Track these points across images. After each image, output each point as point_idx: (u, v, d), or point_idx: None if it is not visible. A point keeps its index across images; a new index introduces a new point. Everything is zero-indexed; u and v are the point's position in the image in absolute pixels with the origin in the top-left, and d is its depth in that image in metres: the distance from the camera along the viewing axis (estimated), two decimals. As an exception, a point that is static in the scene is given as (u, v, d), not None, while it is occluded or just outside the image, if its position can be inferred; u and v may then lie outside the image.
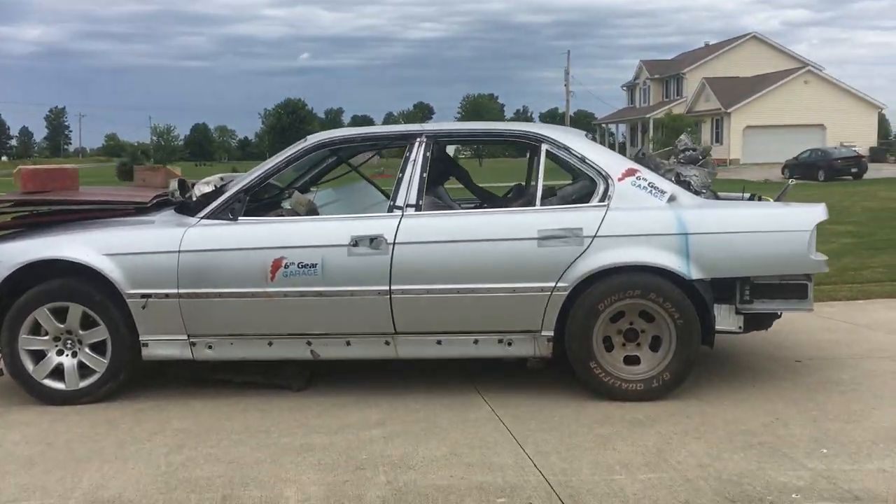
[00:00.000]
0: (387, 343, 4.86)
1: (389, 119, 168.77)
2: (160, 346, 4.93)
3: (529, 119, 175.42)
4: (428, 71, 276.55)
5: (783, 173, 34.94)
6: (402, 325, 4.80)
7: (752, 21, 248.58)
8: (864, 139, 46.32)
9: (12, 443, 4.34)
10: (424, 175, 4.94)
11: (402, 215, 4.83)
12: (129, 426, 4.56)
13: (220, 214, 4.94)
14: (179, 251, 4.82)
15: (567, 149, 4.96)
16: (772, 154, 43.50)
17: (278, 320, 4.84)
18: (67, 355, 4.97)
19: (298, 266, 4.77)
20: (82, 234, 4.99)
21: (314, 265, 4.76)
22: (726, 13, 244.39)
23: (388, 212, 4.89)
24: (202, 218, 4.94)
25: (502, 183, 10.44)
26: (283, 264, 4.77)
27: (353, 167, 6.16)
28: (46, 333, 4.94)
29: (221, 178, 5.28)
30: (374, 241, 4.75)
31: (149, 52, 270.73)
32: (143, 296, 4.83)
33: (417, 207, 4.86)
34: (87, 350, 4.95)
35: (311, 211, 5.27)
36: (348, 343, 4.88)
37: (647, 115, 56.71)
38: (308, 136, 5.20)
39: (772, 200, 5.10)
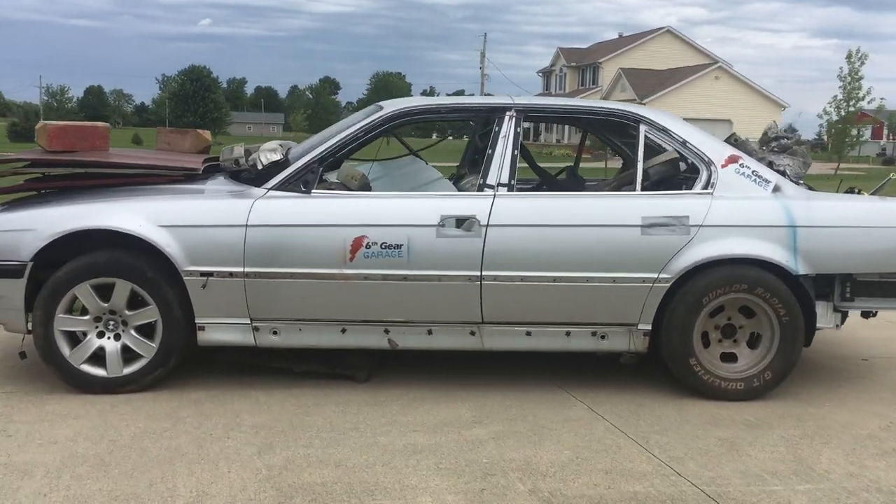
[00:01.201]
0: (472, 333, 4.48)
1: (295, 92, 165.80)
2: (219, 330, 4.41)
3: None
4: (334, 46, 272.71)
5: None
6: (491, 315, 4.44)
7: (652, 17, 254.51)
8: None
9: (67, 439, 3.78)
10: (516, 152, 4.57)
11: (495, 195, 4.45)
12: (196, 420, 4.05)
13: (292, 186, 4.44)
14: (247, 225, 4.32)
15: (666, 131, 4.67)
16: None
17: (355, 305, 4.40)
18: (109, 338, 4.40)
19: (381, 246, 4.33)
20: (130, 201, 4.42)
21: (399, 246, 4.34)
22: (626, 7, 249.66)
23: (479, 191, 4.50)
24: (270, 189, 4.43)
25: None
26: (365, 244, 4.33)
27: (403, 142, 5.73)
28: (86, 313, 4.35)
29: (280, 145, 4.75)
30: (465, 222, 4.36)
31: (36, 6, 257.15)
32: (204, 274, 4.31)
33: (510, 187, 4.49)
34: (132, 332, 4.39)
35: (364, 186, 4.81)
36: (430, 332, 4.48)
37: (564, 102, 57.13)
38: (383, 104, 4.74)
39: (867, 195, 4.94)
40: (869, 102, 37.40)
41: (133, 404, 4.24)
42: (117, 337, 4.40)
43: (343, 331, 4.46)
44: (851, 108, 36.81)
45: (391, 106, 4.67)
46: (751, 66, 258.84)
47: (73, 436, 3.82)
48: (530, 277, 4.37)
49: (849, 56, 37.83)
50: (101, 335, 4.39)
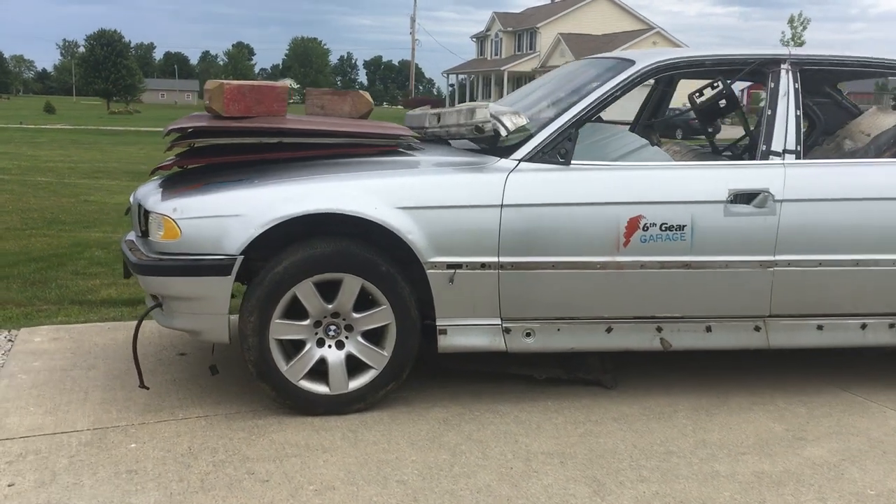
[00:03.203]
0: (756, 329, 3.80)
1: (207, 58, 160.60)
2: (464, 333, 3.62)
3: (354, 67, 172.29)
4: (241, 10, 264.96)
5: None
6: (780, 307, 3.77)
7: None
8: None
9: (343, 482, 2.96)
10: (799, 113, 3.88)
11: (784, 164, 3.76)
12: (477, 449, 3.27)
13: (547, 156, 3.65)
14: (502, 205, 3.52)
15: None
16: (629, 113, 44.44)
17: (626, 299, 3.67)
18: (331, 346, 3.56)
19: (661, 228, 3.60)
20: (353, 178, 3.56)
21: (681, 227, 3.61)
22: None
23: (763, 159, 3.80)
24: (522, 160, 3.63)
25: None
26: (642, 225, 3.59)
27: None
28: (306, 317, 3.50)
29: (492, 105, 3.91)
30: (757, 197, 3.66)
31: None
32: (451, 265, 3.50)
33: (797, 154, 3.80)
34: (359, 339, 3.56)
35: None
36: (709, 329, 3.78)
37: (502, 68, 56.54)
38: (632, 57, 3.95)
39: None
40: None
41: (375, 429, 3.43)
42: (339, 345, 3.56)
43: (608, 330, 3.71)
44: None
45: (645, 59, 3.90)
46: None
47: (346, 477, 3.00)
48: (829, 262, 3.71)
49: (791, 21, 38.24)
50: (320, 343, 3.55)
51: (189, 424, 3.43)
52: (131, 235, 4.00)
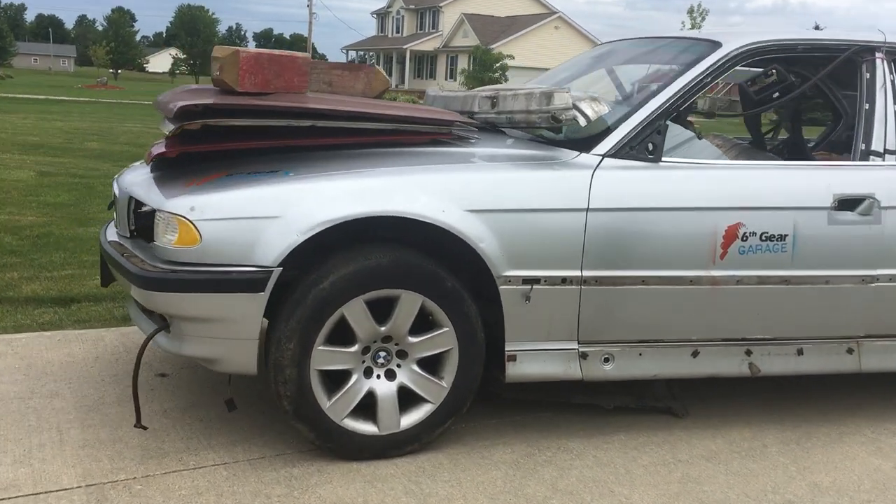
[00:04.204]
0: (849, 351, 3.38)
1: (84, 22, 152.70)
2: (536, 359, 3.05)
3: (243, 38, 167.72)
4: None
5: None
6: (876, 326, 3.37)
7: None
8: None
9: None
10: (896, 107, 3.46)
11: (886, 165, 3.34)
12: (566, 502, 2.71)
13: (635, 152, 3.10)
14: (588, 209, 2.96)
15: None
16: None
17: (717, 318, 3.18)
18: (380, 377, 2.92)
19: (761, 238, 3.12)
20: (407, 173, 2.92)
21: (783, 237, 3.14)
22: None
23: (862, 159, 3.36)
24: (605, 155, 3.07)
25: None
26: (741, 234, 3.10)
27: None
28: (354, 342, 2.85)
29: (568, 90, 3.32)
30: (862, 203, 3.22)
31: None
32: (527, 280, 2.92)
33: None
34: (414, 367, 2.94)
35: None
36: (800, 352, 3.33)
37: (404, 47, 55.66)
38: (720, 38, 3.42)
39: None
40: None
41: (440, 478, 2.83)
42: (390, 375, 2.93)
43: (694, 354, 3.21)
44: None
45: (734, 41, 3.37)
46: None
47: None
48: (933, 276, 3.31)
49: (690, 11, 38.93)
50: (367, 373, 2.91)
51: (208, 476, 2.74)
52: (113, 232, 3.25)
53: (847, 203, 3.21)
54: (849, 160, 3.42)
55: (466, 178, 2.92)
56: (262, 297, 2.70)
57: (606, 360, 3.12)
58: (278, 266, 2.68)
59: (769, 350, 3.28)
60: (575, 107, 3.00)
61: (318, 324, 2.75)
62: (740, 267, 3.11)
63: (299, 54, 3.28)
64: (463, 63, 50.15)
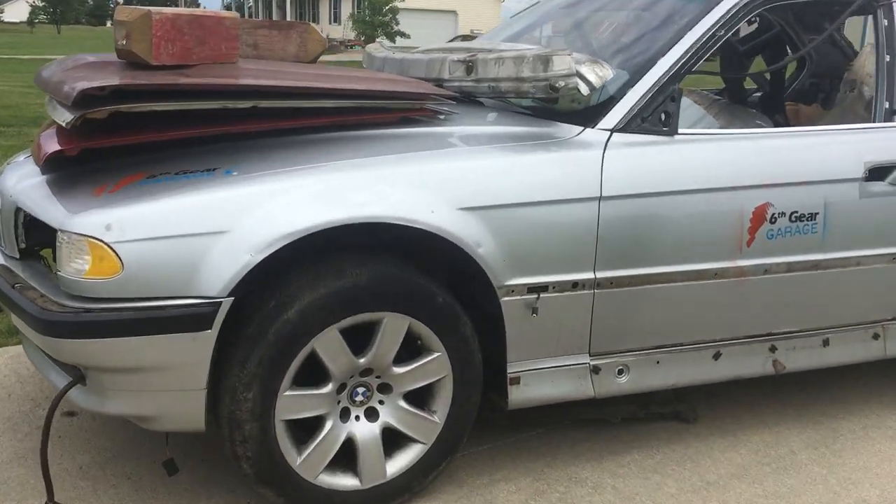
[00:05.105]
0: (875, 337, 3.00)
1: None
2: (543, 379, 2.54)
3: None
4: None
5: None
6: (903, 309, 2.99)
7: None
8: (489, 28, 48.38)
9: None
10: (919, 61, 3.04)
11: (915, 127, 2.94)
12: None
13: (648, 124, 2.58)
14: (601, 197, 2.44)
15: None
16: (416, 39, 43.36)
17: (742, 313, 2.75)
18: (359, 418, 2.36)
19: (791, 219, 2.68)
20: (381, 164, 2.32)
21: (813, 216, 2.71)
22: None
23: (887, 119, 2.95)
24: (614, 130, 2.54)
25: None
26: (769, 216, 2.65)
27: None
28: (327, 380, 2.27)
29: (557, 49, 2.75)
30: (893, 171, 2.81)
31: None
32: (533, 289, 2.39)
33: (921, 115, 2.98)
34: (400, 403, 2.38)
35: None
36: (825, 342, 2.93)
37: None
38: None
39: None
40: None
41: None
42: (370, 414, 2.37)
43: (716, 356, 2.77)
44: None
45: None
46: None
47: None
48: (963, 252, 2.95)
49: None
50: (344, 416, 2.34)
51: (151, 568, 2.13)
52: (-5, 252, 2.53)
53: (878, 172, 2.80)
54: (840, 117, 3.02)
55: (455, 167, 2.34)
56: (209, 337, 2.07)
57: (620, 371, 2.64)
58: (228, 296, 2.05)
59: (794, 344, 2.87)
60: (576, 72, 2.45)
61: (283, 365, 2.16)
62: (768, 254, 2.67)
63: (225, 13, 2.61)
64: (348, 7, 48.37)
